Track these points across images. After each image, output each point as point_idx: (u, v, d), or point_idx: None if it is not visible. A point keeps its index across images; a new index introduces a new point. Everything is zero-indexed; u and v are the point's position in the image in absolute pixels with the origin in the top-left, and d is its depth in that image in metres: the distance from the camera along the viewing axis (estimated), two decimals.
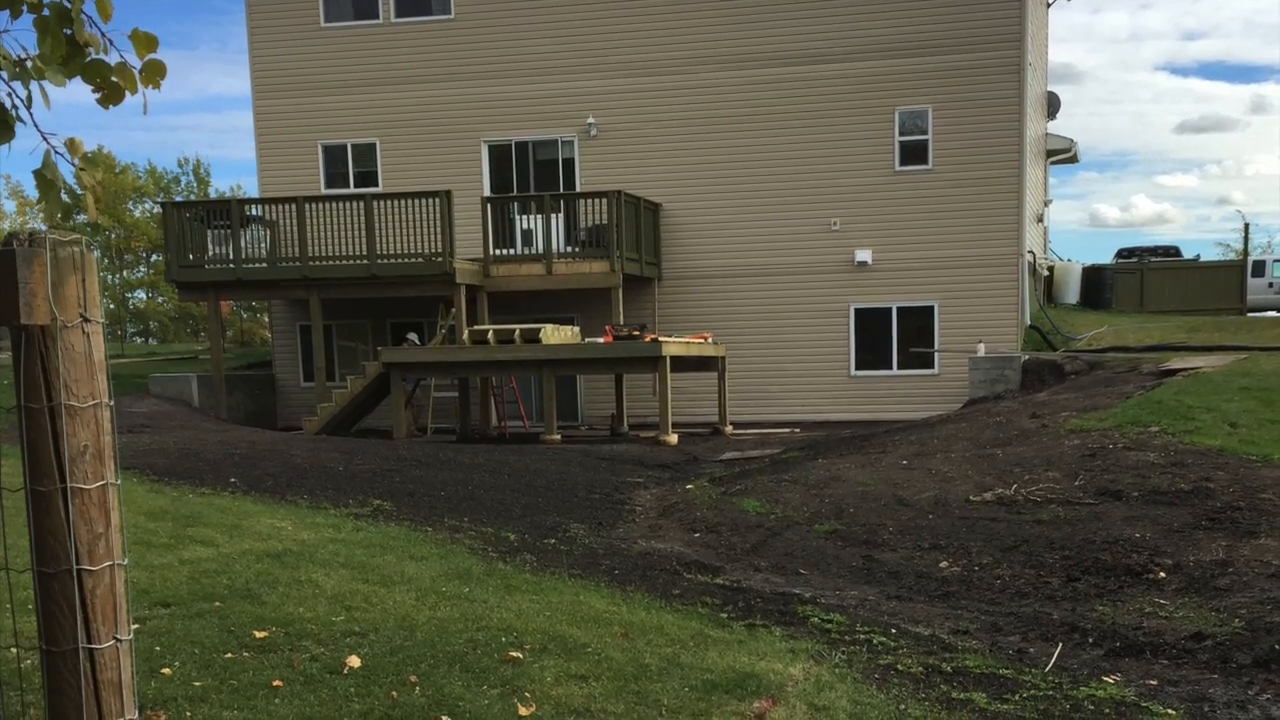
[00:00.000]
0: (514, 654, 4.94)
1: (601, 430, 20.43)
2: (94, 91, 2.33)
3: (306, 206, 19.61)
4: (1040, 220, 25.50)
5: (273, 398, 22.99)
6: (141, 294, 50.58)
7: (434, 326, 20.45)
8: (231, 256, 19.94)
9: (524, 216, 20.72)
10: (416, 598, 5.96)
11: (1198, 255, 36.00)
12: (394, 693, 4.38)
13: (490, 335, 17.64)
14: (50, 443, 2.00)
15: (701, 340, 19.11)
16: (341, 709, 4.19)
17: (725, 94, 21.27)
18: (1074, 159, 28.32)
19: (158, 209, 40.77)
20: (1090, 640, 6.09)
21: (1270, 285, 29.11)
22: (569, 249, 20.26)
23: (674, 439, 17.24)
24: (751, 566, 8.21)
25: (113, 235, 44.56)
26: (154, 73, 2.32)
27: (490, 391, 20.47)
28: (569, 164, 22.14)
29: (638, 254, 20.41)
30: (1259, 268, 29.75)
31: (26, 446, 2.01)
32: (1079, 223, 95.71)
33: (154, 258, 45.81)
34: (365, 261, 19.32)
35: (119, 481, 2.10)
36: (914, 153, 20.73)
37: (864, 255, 20.90)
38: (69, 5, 2.17)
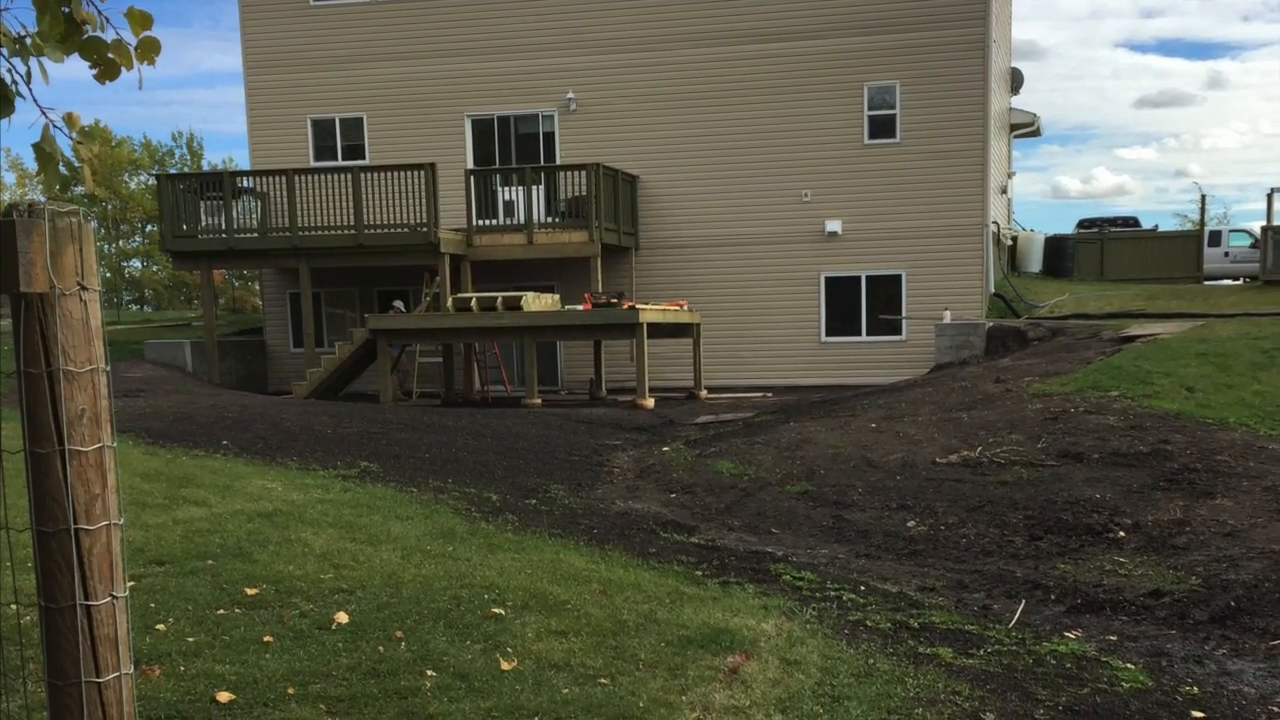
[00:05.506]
0: (496, 610, 5.06)
1: (581, 395, 20.54)
2: (91, 68, 2.35)
3: (296, 179, 19.66)
4: (1004, 192, 25.68)
5: (263, 363, 23.08)
6: (137, 263, 50.45)
7: (419, 294, 20.52)
8: (224, 227, 19.98)
9: (506, 188, 20.75)
10: (402, 556, 6.08)
11: (1156, 226, 36.33)
12: (381, 647, 4.50)
13: (473, 303, 17.71)
14: (49, 406, 2.02)
15: (677, 308, 19.23)
16: (330, 663, 4.31)
17: (700, 70, 21.29)
18: (1037, 133, 28.49)
19: (153, 181, 40.64)
20: (1052, 597, 6.24)
21: (1226, 255, 29.26)
22: (549, 220, 20.31)
23: (651, 403, 17.38)
24: (725, 526, 8.33)
25: (109, 206, 44.34)
26: (149, 49, 2.35)
27: (474, 357, 20.57)
28: (549, 138, 22.16)
29: (616, 224, 20.47)
30: (1215, 238, 29.92)
31: (26, 410, 2.03)
32: (1041, 194, 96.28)
33: (149, 228, 45.58)
34: (353, 231, 19.38)
35: (115, 444, 2.13)
36: (882, 127, 20.82)
37: (834, 226, 21.05)
38: None
